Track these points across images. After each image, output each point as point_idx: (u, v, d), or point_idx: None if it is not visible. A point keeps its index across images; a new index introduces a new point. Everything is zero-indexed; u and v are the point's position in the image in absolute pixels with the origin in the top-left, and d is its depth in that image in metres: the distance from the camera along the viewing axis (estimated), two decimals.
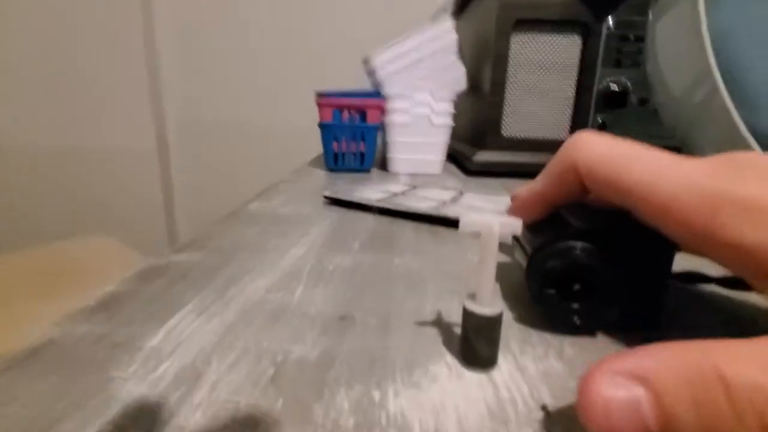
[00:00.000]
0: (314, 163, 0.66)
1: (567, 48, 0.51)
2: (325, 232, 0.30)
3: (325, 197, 0.37)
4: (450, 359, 0.16)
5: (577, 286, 0.17)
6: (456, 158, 0.65)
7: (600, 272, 0.16)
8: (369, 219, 0.34)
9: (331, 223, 0.32)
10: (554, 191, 0.18)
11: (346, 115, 0.53)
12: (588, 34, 0.50)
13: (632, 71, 0.50)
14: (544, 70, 0.51)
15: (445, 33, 0.57)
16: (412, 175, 0.55)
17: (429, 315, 0.19)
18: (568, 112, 0.53)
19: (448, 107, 0.54)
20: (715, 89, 0.29)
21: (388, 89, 0.55)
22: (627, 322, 0.17)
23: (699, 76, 0.31)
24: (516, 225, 0.14)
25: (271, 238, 0.28)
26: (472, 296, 0.15)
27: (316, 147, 0.59)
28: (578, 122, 0.52)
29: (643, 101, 0.50)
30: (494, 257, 0.14)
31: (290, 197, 0.40)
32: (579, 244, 0.16)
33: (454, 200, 0.36)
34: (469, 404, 0.13)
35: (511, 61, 0.51)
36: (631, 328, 0.17)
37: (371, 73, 0.58)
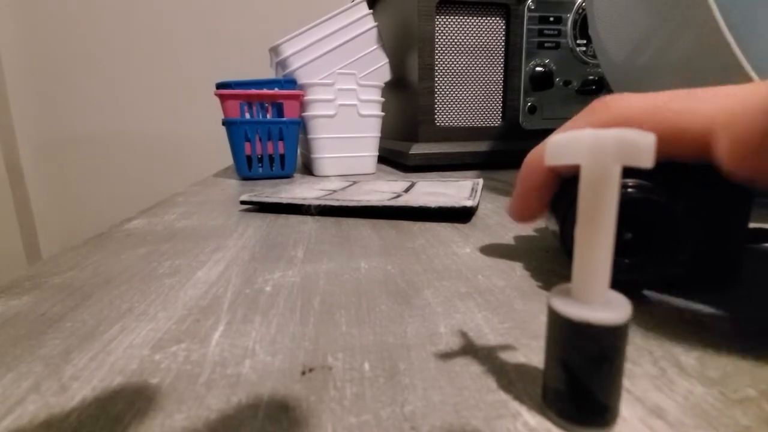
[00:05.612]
0: (221, 173, 0.54)
1: (491, 31, 0.49)
2: (250, 242, 0.21)
3: (243, 202, 0.28)
4: (530, 417, 0.08)
5: (628, 235, 0.13)
6: (387, 159, 0.59)
7: (663, 211, 0.12)
8: (308, 222, 0.25)
9: (256, 231, 0.23)
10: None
11: (255, 110, 0.44)
12: (510, 16, 0.48)
13: (554, 52, 0.49)
14: (471, 54, 0.48)
15: (362, 19, 0.52)
16: (344, 177, 0.47)
17: (453, 342, 0.11)
18: (498, 97, 0.50)
19: (376, 96, 0.48)
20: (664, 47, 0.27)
21: (305, 80, 0.48)
22: (693, 279, 0.13)
23: (642, 39, 0.29)
24: (649, 142, 0.07)
25: (164, 261, 0.18)
26: (566, 292, 0.08)
27: (221, 159, 0.48)
28: (509, 106, 0.50)
29: (567, 82, 0.50)
30: (614, 210, 0.07)
31: (191, 210, 0.30)
32: (630, 181, 0.12)
33: (408, 190, 0.30)
34: None
35: (437, 45, 0.47)
36: (700, 285, 0.14)
37: (281, 63, 0.50)
